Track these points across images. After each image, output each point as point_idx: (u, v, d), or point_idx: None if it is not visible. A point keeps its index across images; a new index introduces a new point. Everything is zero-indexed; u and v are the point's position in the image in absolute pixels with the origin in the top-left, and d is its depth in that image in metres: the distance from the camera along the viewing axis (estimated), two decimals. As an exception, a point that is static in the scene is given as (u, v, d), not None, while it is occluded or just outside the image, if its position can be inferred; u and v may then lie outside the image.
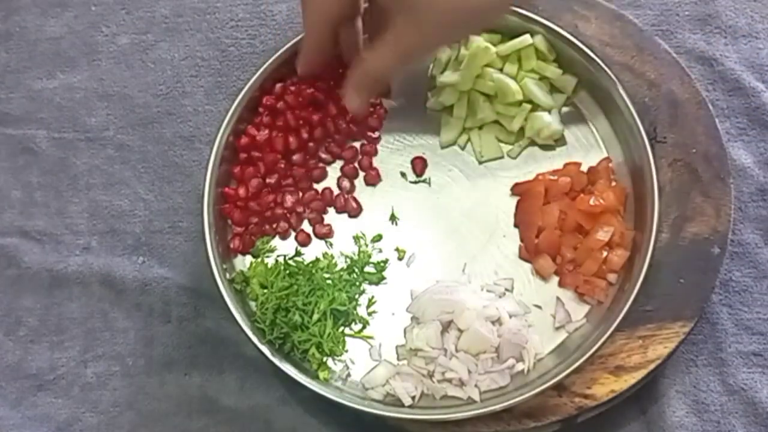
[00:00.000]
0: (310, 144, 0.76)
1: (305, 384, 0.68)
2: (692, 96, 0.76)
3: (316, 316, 0.70)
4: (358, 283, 0.73)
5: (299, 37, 0.76)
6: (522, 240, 0.74)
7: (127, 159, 0.82)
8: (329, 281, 0.72)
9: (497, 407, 0.67)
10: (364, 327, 0.72)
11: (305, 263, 0.73)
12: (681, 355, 0.73)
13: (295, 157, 0.76)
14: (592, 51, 0.75)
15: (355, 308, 0.72)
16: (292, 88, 0.76)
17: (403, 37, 0.67)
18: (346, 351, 0.71)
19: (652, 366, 0.69)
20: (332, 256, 0.74)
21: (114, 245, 0.80)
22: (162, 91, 0.84)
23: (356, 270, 0.73)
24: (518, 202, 0.74)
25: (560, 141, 0.76)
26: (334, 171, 0.77)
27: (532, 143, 0.76)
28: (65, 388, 0.76)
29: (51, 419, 0.76)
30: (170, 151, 0.82)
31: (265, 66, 0.76)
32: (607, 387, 0.69)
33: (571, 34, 0.75)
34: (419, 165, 0.76)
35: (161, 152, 0.82)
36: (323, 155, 0.77)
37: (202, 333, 0.76)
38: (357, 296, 0.72)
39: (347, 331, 0.72)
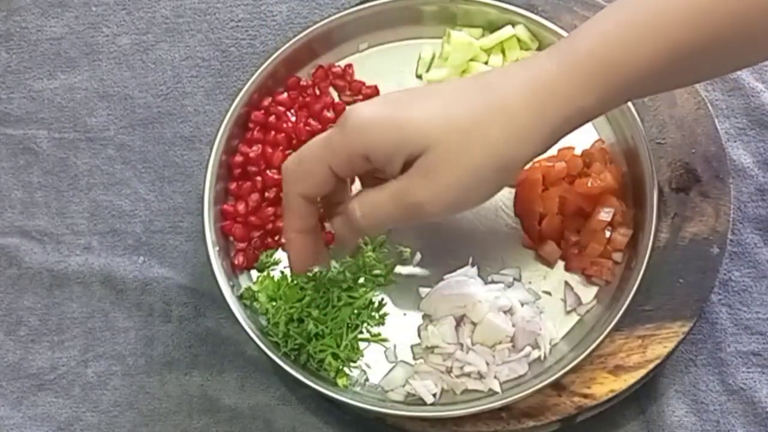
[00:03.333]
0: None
1: (306, 383, 0.68)
2: (691, 96, 0.76)
3: (332, 324, 0.69)
4: (368, 288, 0.72)
5: (299, 36, 0.77)
6: (524, 228, 0.74)
7: (128, 159, 0.82)
8: (341, 291, 0.71)
9: (517, 396, 0.67)
10: (378, 332, 0.72)
11: (313, 273, 0.72)
12: (680, 355, 0.73)
13: None
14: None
15: (369, 314, 0.72)
16: (280, 108, 0.77)
17: (414, 189, 0.59)
18: (362, 356, 0.71)
19: (651, 366, 0.69)
20: (339, 263, 0.73)
21: (115, 245, 0.80)
22: (162, 92, 0.84)
23: (364, 275, 0.72)
24: (517, 192, 0.74)
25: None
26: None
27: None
28: (66, 388, 0.77)
29: (51, 419, 0.76)
30: (171, 151, 0.82)
31: (265, 65, 0.76)
32: (606, 387, 0.69)
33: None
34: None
35: (162, 152, 0.82)
36: None
37: (203, 332, 0.76)
38: (370, 300, 0.72)
39: (361, 336, 0.71)
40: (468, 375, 0.69)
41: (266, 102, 0.77)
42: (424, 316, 0.72)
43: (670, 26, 0.57)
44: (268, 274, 0.73)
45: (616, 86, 0.58)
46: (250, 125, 0.77)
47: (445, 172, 0.58)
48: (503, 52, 0.77)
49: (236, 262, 0.74)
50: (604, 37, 0.58)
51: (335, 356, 0.69)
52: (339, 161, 0.60)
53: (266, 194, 0.75)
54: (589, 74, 0.57)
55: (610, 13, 0.59)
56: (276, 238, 0.75)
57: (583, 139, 0.74)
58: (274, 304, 0.71)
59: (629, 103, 0.72)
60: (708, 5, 0.57)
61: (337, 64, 0.79)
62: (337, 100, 0.79)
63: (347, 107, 0.59)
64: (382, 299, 0.72)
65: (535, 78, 0.58)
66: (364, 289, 0.71)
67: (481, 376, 0.69)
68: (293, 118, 0.77)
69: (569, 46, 0.59)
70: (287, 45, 0.77)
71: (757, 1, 0.56)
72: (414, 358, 0.71)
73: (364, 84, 0.79)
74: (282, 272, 0.73)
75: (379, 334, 0.72)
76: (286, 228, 0.66)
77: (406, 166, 0.59)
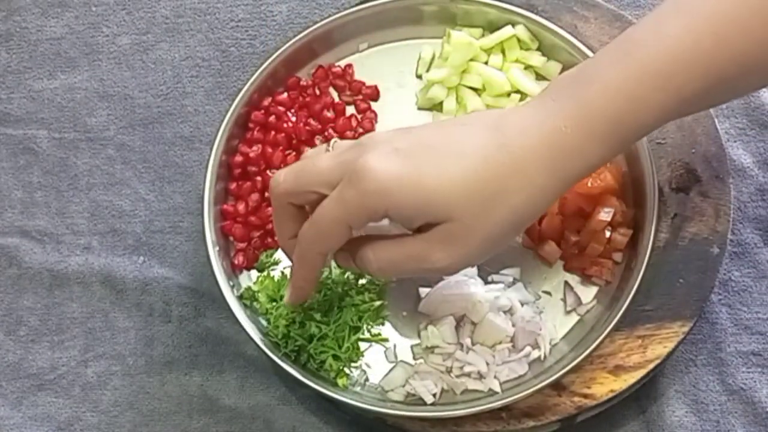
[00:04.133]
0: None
1: (306, 383, 0.68)
2: (691, 96, 0.76)
3: (334, 326, 0.69)
4: (370, 289, 0.72)
5: (299, 36, 0.77)
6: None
7: (128, 159, 0.82)
8: (343, 292, 0.71)
9: (517, 396, 0.67)
10: (378, 332, 0.72)
11: None
12: (680, 355, 0.73)
13: None
14: (585, 45, 0.75)
15: (370, 315, 0.71)
16: (280, 108, 0.77)
17: (433, 254, 0.59)
18: (363, 356, 0.71)
19: (651, 366, 0.69)
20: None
21: (115, 245, 0.80)
22: (162, 92, 0.84)
23: (364, 275, 0.72)
24: None
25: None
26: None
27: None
28: (66, 388, 0.77)
29: (52, 419, 0.76)
30: (171, 151, 0.82)
31: (265, 65, 0.76)
32: (606, 386, 0.69)
33: (571, 34, 0.76)
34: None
35: (162, 152, 0.82)
36: None
37: (203, 332, 0.76)
38: (371, 301, 0.72)
39: (362, 336, 0.71)
40: (468, 375, 0.69)
41: (266, 102, 0.77)
42: (425, 316, 0.72)
43: (678, 77, 0.57)
44: (268, 274, 0.73)
45: (627, 139, 0.60)
46: (250, 125, 0.77)
47: (466, 242, 0.59)
48: (503, 52, 0.77)
49: (236, 262, 0.74)
50: (616, 95, 0.58)
51: (336, 357, 0.69)
52: (358, 221, 0.60)
53: (266, 194, 0.75)
54: (604, 133, 0.58)
55: (619, 57, 0.59)
56: (276, 238, 0.75)
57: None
58: (274, 304, 0.71)
59: None
60: (711, 50, 0.57)
61: (337, 64, 0.79)
62: (337, 100, 0.79)
63: (357, 161, 0.58)
64: (382, 299, 0.72)
65: (551, 138, 0.58)
66: (367, 291, 0.71)
67: (481, 376, 0.69)
68: (293, 118, 0.77)
69: (583, 105, 0.58)
70: (287, 45, 0.77)
71: (756, 38, 0.57)
72: (414, 358, 0.71)
73: (364, 84, 0.79)
74: (282, 272, 0.73)
75: (379, 334, 0.72)
76: (297, 276, 0.65)
77: (426, 225, 0.59)
